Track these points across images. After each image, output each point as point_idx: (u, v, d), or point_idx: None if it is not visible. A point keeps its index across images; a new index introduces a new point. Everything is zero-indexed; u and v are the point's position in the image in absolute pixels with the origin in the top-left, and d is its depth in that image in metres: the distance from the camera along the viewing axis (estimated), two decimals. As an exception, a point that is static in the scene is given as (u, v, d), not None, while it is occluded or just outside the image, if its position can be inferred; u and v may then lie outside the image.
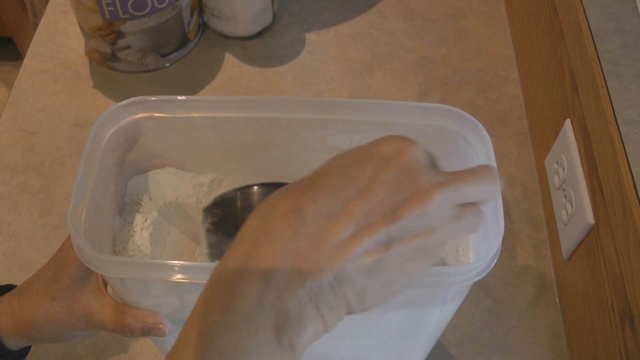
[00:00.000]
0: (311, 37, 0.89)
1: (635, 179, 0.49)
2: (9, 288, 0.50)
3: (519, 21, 0.86)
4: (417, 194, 0.31)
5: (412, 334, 0.50)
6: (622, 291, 0.50)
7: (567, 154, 0.64)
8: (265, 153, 0.51)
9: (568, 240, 0.63)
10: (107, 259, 0.40)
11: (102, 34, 0.79)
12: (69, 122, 0.80)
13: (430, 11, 0.92)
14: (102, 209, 0.45)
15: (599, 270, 0.56)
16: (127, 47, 0.80)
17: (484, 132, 0.45)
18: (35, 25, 1.04)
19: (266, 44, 0.88)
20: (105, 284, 0.47)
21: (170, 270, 0.39)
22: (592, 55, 0.58)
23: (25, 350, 0.51)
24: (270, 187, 0.45)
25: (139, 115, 0.47)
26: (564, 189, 0.65)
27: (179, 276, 0.39)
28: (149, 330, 0.45)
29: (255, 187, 0.46)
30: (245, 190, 0.46)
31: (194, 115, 0.47)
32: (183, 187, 0.51)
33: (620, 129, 0.52)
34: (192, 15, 0.84)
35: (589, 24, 0.60)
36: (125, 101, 0.46)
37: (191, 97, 0.47)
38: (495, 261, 0.39)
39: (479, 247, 0.47)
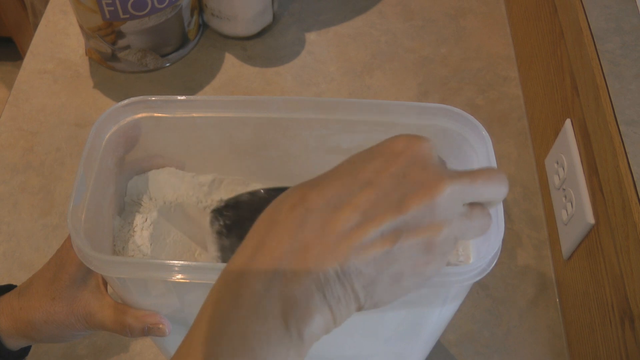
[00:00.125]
0: (311, 37, 0.89)
1: (635, 179, 0.49)
2: (9, 288, 0.50)
3: (519, 21, 0.86)
4: (426, 185, 0.31)
5: (412, 334, 0.50)
6: (622, 291, 0.50)
7: (567, 154, 0.64)
8: (265, 153, 0.51)
9: (568, 240, 0.63)
10: (107, 259, 0.40)
11: (102, 34, 0.79)
12: (69, 122, 0.80)
13: (430, 11, 0.93)
14: (102, 209, 0.45)
15: (599, 270, 0.56)
16: (127, 47, 0.80)
17: (484, 132, 0.45)
18: (35, 25, 1.04)
19: (266, 44, 0.88)
20: (105, 284, 0.47)
21: (170, 270, 0.39)
22: (592, 55, 0.58)
23: (25, 350, 0.51)
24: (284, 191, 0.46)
25: (139, 115, 0.47)
26: (564, 189, 0.65)
27: (179, 276, 0.39)
28: (149, 330, 0.45)
29: (266, 190, 0.46)
30: (258, 194, 0.46)
31: (194, 115, 0.47)
32: (183, 187, 0.51)
33: (620, 129, 0.52)
34: (192, 15, 0.84)
35: (589, 24, 0.60)
36: (125, 101, 0.46)
37: (191, 97, 0.47)
38: (495, 261, 0.39)
39: (479, 247, 0.47)
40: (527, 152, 0.77)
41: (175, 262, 0.39)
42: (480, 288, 0.67)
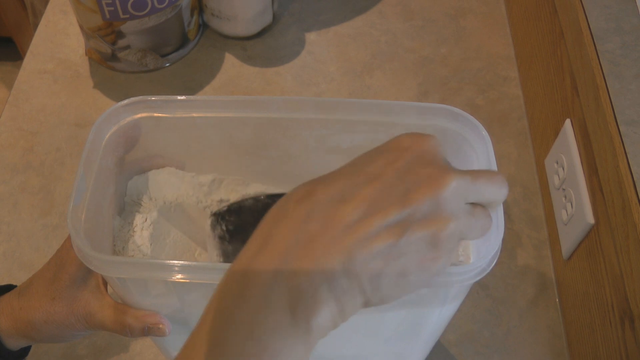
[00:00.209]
0: (311, 37, 0.89)
1: (635, 179, 0.49)
2: (9, 288, 0.50)
3: (519, 21, 0.86)
4: (432, 179, 0.31)
5: (412, 334, 0.50)
6: (622, 291, 0.50)
7: (567, 154, 0.64)
8: (265, 153, 0.51)
9: (568, 240, 0.63)
10: (107, 259, 0.40)
11: (102, 34, 0.79)
12: (69, 122, 0.80)
13: (430, 11, 0.93)
14: (102, 209, 0.45)
15: (599, 270, 0.56)
16: (127, 47, 0.80)
17: (484, 132, 0.45)
18: (35, 25, 1.04)
19: (266, 44, 0.88)
20: (105, 284, 0.47)
21: (170, 270, 0.39)
22: (592, 55, 0.58)
23: (25, 350, 0.51)
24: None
25: (139, 115, 0.47)
26: (564, 189, 0.65)
27: (179, 276, 0.39)
28: (149, 330, 0.45)
29: (269, 196, 0.46)
30: (262, 199, 0.46)
31: (194, 115, 0.48)
32: (183, 187, 0.51)
33: (620, 129, 0.52)
34: (192, 15, 0.84)
35: (589, 24, 0.60)
36: (125, 101, 0.46)
37: (191, 97, 0.47)
38: (495, 261, 0.39)
39: (479, 247, 0.47)
40: (527, 152, 0.77)
41: (175, 262, 0.39)
42: (480, 288, 0.67)
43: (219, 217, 0.47)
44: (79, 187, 0.42)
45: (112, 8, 0.75)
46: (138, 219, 0.48)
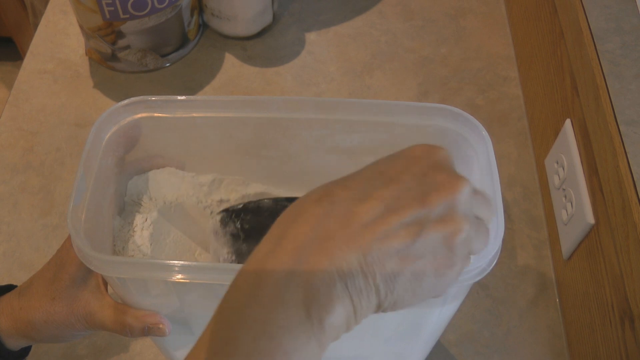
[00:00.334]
0: (311, 37, 0.89)
1: (635, 179, 0.49)
2: (9, 288, 0.50)
3: (519, 21, 0.86)
4: (447, 183, 0.32)
5: (412, 334, 0.50)
6: (622, 291, 0.50)
7: (567, 154, 0.64)
8: (265, 153, 0.51)
9: (568, 240, 0.63)
10: (107, 259, 0.40)
11: (102, 34, 0.79)
12: (69, 122, 0.80)
13: (430, 11, 0.93)
14: (102, 209, 0.45)
15: (599, 270, 0.56)
16: (127, 47, 0.80)
17: (484, 132, 0.45)
18: (35, 25, 1.04)
19: (266, 44, 0.88)
20: (105, 284, 0.47)
21: (170, 270, 0.39)
22: (592, 55, 0.58)
23: (26, 350, 0.51)
24: None
25: (139, 115, 0.47)
26: (564, 189, 0.65)
27: (179, 276, 0.39)
28: (149, 330, 0.45)
29: (288, 199, 0.46)
30: (282, 201, 0.46)
31: (194, 115, 0.48)
32: (183, 187, 0.51)
33: (620, 129, 0.52)
34: (192, 15, 0.84)
35: (589, 24, 0.60)
36: (125, 101, 0.46)
37: (191, 97, 0.47)
38: (495, 261, 0.39)
39: (479, 247, 0.47)
40: (527, 152, 0.77)
41: (175, 262, 0.39)
42: (480, 288, 0.67)
43: (233, 214, 0.46)
44: (79, 187, 0.42)
45: (112, 8, 0.75)
46: (138, 219, 0.48)
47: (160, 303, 0.45)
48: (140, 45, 0.81)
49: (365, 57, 0.87)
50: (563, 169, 0.65)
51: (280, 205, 0.46)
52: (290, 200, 0.46)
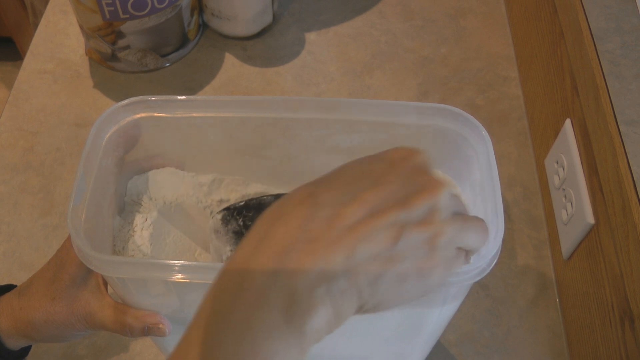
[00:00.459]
0: (311, 37, 0.89)
1: (635, 179, 0.49)
2: (9, 288, 0.50)
3: (519, 21, 0.86)
4: (428, 186, 0.32)
5: (412, 334, 0.50)
6: (622, 291, 0.50)
7: (567, 154, 0.64)
8: (265, 153, 0.51)
9: (568, 240, 0.63)
10: (107, 259, 0.40)
11: (102, 34, 0.79)
12: (69, 122, 0.80)
13: (430, 11, 0.93)
14: (102, 209, 0.45)
15: (599, 270, 0.56)
16: (127, 47, 0.80)
17: (484, 132, 0.45)
18: (35, 25, 1.04)
19: (266, 44, 0.88)
20: (105, 284, 0.47)
21: (170, 270, 0.39)
22: (592, 55, 0.58)
23: (26, 350, 0.51)
24: None
25: (139, 115, 0.47)
26: (564, 189, 0.65)
27: (179, 276, 0.39)
28: (149, 330, 0.45)
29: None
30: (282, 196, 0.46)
31: (194, 115, 0.47)
32: (183, 187, 0.51)
33: (620, 129, 0.52)
34: (192, 15, 0.84)
35: (589, 24, 0.60)
36: (125, 101, 0.46)
37: (191, 97, 0.47)
38: (495, 261, 0.39)
39: (479, 247, 0.47)
40: (527, 152, 0.77)
41: (175, 262, 0.39)
42: (480, 288, 0.67)
43: (235, 211, 0.46)
44: (79, 187, 0.42)
45: (112, 8, 0.75)
46: (138, 219, 0.48)
47: (160, 303, 0.45)
48: (140, 45, 0.81)
49: (365, 57, 0.87)
50: (563, 169, 0.65)
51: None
52: None
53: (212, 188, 0.52)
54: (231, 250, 0.46)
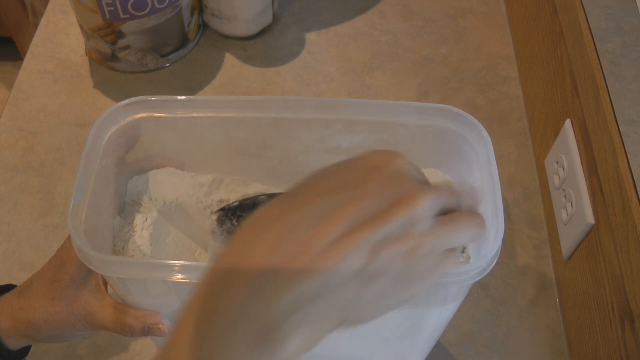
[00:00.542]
0: (311, 37, 0.89)
1: (635, 179, 0.49)
2: (9, 288, 0.50)
3: (519, 21, 0.86)
4: (405, 196, 0.31)
5: (412, 334, 0.50)
6: (622, 291, 0.50)
7: (567, 154, 0.64)
8: (265, 153, 0.51)
9: (568, 240, 0.63)
10: (107, 259, 0.40)
11: (102, 34, 0.79)
12: (69, 122, 0.80)
13: (430, 11, 0.93)
14: (102, 209, 0.45)
15: (599, 270, 0.56)
16: (127, 47, 0.80)
17: (484, 132, 0.45)
18: (35, 25, 1.04)
19: (266, 44, 0.88)
20: (105, 283, 0.47)
21: (170, 270, 0.39)
22: (592, 55, 0.58)
23: (25, 350, 0.51)
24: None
25: (139, 115, 0.47)
26: (564, 189, 0.65)
27: (179, 276, 0.39)
28: (149, 330, 0.45)
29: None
30: (275, 195, 0.46)
31: (194, 115, 0.48)
32: (183, 187, 0.51)
33: (620, 129, 0.52)
34: (192, 15, 0.84)
35: (589, 24, 0.60)
36: (125, 101, 0.46)
37: (191, 97, 0.47)
38: (495, 261, 0.39)
39: (479, 247, 0.47)
40: (527, 152, 0.77)
41: (175, 262, 0.39)
42: (480, 288, 0.67)
43: (229, 212, 0.46)
44: (79, 187, 0.42)
45: (112, 8, 0.75)
46: (138, 219, 0.48)
47: (160, 303, 0.45)
48: (140, 45, 0.81)
49: (365, 57, 0.87)
50: (563, 169, 0.65)
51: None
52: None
53: (212, 188, 0.52)
54: None
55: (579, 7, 0.62)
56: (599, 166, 0.55)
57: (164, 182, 0.50)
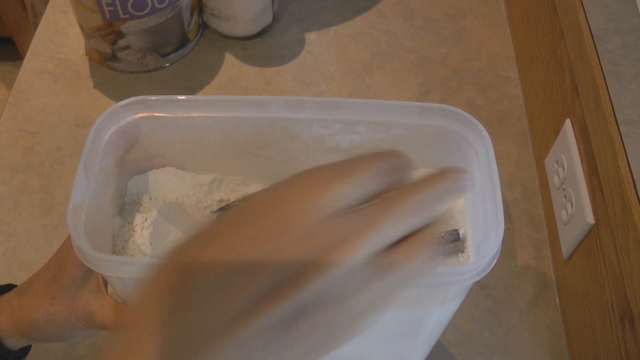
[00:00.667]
0: (311, 37, 0.89)
1: (635, 179, 0.49)
2: (9, 288, 0.50)
3: (519, 21, 0.86)
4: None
5: (412, 334, 0.50)
6: (622, 291, 0.50)
7: (567, 154, 0.64)
8: (265, 153, 0.51)
9: (568, 240, 0.63)
10: (107, 259, 0.40)
11: (102, 34, 0.79)
12: (69, 122, 0.80)
13: (430, 11, 0.93)
14: (102, 209, 0.45)
15: (599, 270, 0.56)
16: (127, 47, 0.80)
17: (484, 132, 0.45)
18: (35, 25, 1.04)
19: (266, 44, 0.88)
20: (105, 283, 0.47)
21: (170, 270, 0.39)
22: (592, 55, 0.58)
23: (25, 350, 0.51)
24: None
25: (139, 115, 0.47)
26: (564, 189, 0.65)
27: (179, 276, 0.39)
28: (149, 330, 0.45)
29: None
30: None
31: (194, 115, 0.48)
32: (183, 187, 0.51)
33: (620, 129, 0.52)
34: (192, 15, 0.84)
35: (589, 24, 0.60)
36: (125, 101, 0.46)
37: (191, 97, 0.47)
38: (495, 261, 0.39)
39: (479, 247, 0.47)
40: (527, 152, 0.77)
41: (175, 262, 0.39)
42: (480, 288, 0.67)
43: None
44: (78, 187, 0.42)
45: (112, 8, 0.75)
46: (138, 219, 0.48)
47: (160, 303, 0.45)
48: (140, 45, 0.81)
49: (365, 57, 0.87)
50: (563, 169, 0.65)
51: None
52: None
53: (212, 188, 0.52)
54: None
55: (579, 7, 0.62)
56: (599, 166, 0.55)
57: (164, 182, 0.50)
